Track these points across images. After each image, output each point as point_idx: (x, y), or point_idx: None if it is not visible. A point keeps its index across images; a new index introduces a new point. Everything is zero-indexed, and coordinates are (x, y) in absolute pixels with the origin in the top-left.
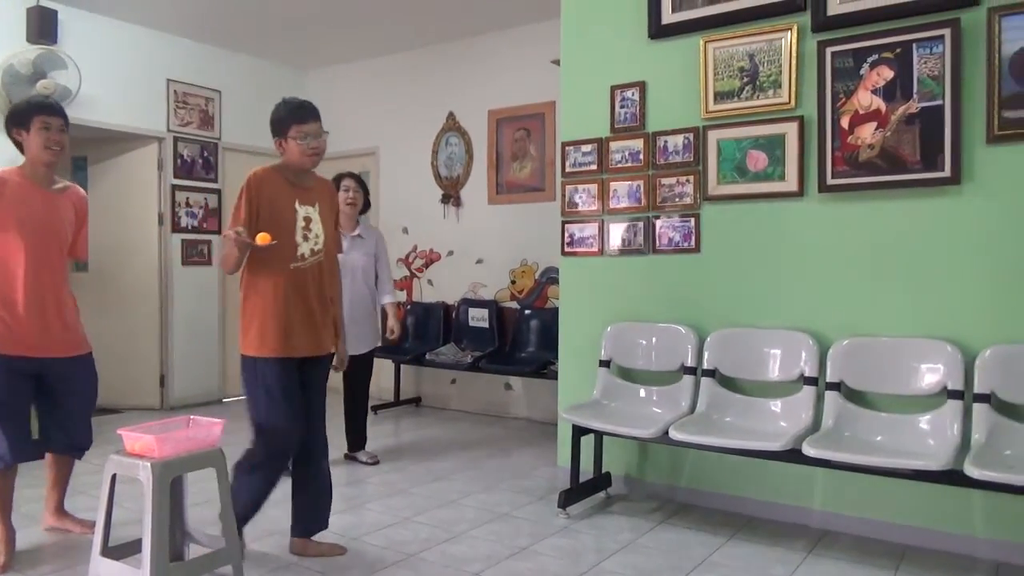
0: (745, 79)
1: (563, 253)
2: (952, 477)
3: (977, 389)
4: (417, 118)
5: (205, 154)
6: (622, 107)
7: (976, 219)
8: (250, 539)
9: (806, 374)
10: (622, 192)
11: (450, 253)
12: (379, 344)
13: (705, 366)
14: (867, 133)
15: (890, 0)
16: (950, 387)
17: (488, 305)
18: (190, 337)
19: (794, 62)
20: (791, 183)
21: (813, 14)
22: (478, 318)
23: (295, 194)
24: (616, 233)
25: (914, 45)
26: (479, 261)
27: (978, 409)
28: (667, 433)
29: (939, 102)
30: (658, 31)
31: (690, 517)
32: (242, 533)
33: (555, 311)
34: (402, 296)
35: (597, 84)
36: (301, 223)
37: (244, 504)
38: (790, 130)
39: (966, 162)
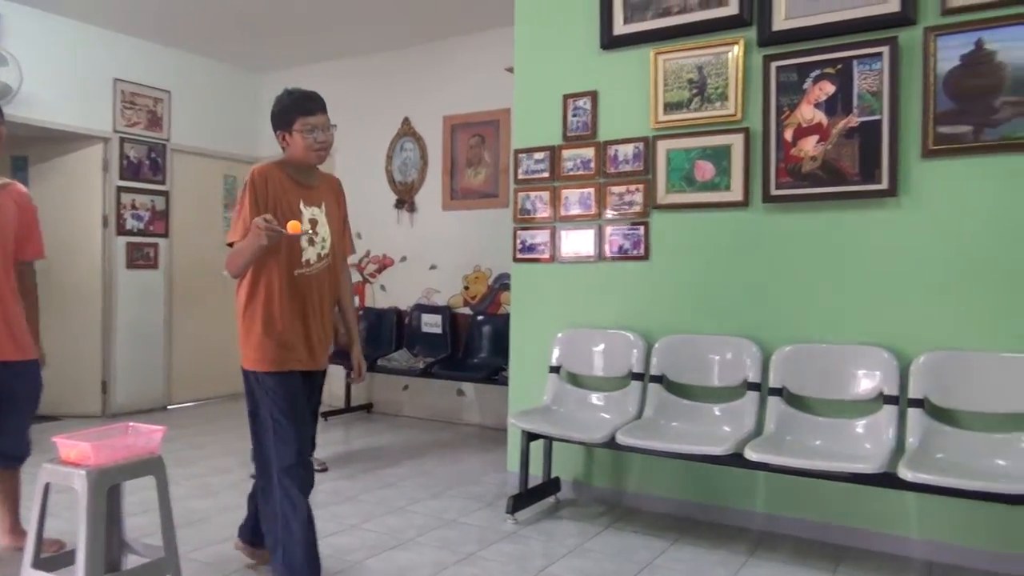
0: (694, 91)
1: (515, 260)
2: (887, 480)
3: (911, 394)
4: (372, 123)
5: (153, 155)
6: (574, 116)
7: (911, 230)
8: (191, 547)
9: (749, 380)
10: (573, 200)
11: (403, 259)
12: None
13: (653, 372)
14: (810, 146)
15: (832, 18)
16: (886, 392)
17: (441, 311)
18: (134, 342)
19: (740, 75)
20: (737, 193)
21: (759, 29)
22: (431, 324)
23: (300, 193)
24: (567, 240)
25: (854, 62)
26: (433, 267)
27: (912, 414)
28: (614, 438)
29: (878, 117)
30: (610, 42)
31: (637, 521)
32: (318, 558)
33: (508, 317)
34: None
35: (550, 92)
36: (306, 226)
37: (284, 532)
38: (736, 142)
39: (903, 175)
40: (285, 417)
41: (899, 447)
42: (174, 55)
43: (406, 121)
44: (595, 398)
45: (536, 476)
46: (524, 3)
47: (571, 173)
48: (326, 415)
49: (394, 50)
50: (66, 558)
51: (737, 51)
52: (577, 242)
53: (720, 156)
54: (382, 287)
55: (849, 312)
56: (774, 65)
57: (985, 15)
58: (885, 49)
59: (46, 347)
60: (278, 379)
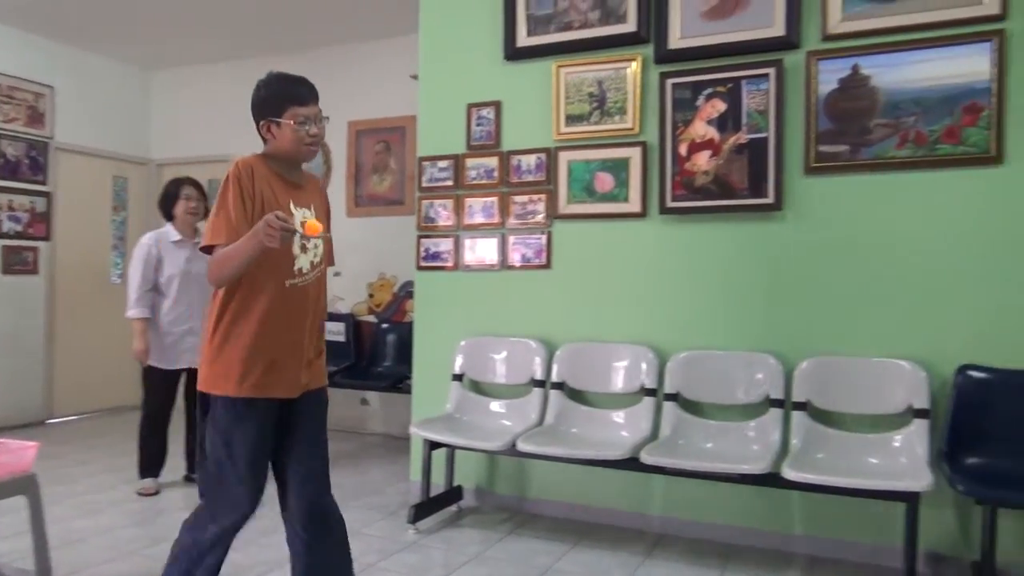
0: (594, 104)
1: (419, 267)
2: (773, 480)
3: (795, 398)
4: None
5: (33, 154)
6: (478, 125)
7: (794, 243)
8: (69, 570)
9: (646, 386)
10: (477, 208)
11: None
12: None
13: (554, 379)
14: (702, 160)
15: (723, 39)
16: (772, 396)
17: (345, 319)
18: (10, 352)
19: (638, 91)
20: (635, 204)
21: (656, 47)
22: (335, 332)
23: (289, 193)
24: (471, 248)
25: (743, 81)
26: (337, 274)
27: (796, 416)
28: (515, 445)
29: (764, 135)
30: (513, 53)
31: (538, 526)
32: None
33: (412, 325)
34: None
35: (454, 101)
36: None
37: (191, 563)
38: (634, 155)
39: (787, 190)
40: (243, 458)
41: (784, 448)
42: (58, 49)
43: None
44: (497, 405)
45: (439, 485)
46: (429, 12)
47: (475, 182)
48: None
49: (297, 53)
50: None
51: (635, 67)
52: (480, 250)
53: (619, 168)
54: None
55: (739, 320)
56: (669, 82)
57: (861, 42)
58: (771, 71)
59: None
60: (252, 407)
